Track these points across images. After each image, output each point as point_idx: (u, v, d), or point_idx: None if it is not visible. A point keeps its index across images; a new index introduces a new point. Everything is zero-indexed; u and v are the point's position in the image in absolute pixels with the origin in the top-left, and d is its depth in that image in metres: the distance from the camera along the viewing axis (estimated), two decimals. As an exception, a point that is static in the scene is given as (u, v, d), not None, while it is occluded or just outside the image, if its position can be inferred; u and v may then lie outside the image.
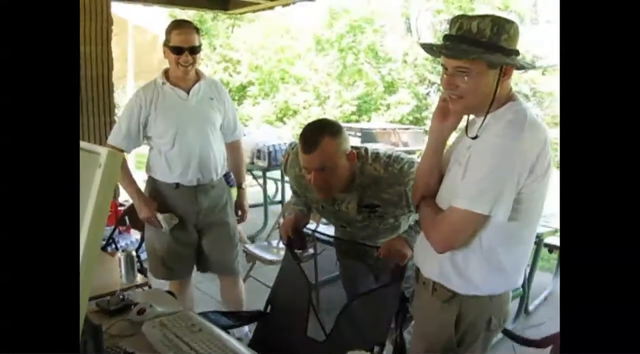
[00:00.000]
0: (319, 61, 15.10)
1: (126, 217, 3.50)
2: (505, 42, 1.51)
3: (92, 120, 4.77)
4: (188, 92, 2.76)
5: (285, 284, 2.24)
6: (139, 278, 2.36)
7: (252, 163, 5.84)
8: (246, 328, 2.80)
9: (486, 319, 1.66)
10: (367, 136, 7.98)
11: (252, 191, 6.72)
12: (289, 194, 5.97)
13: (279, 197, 6.52)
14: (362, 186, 2.08)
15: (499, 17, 1.53)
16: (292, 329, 2.08)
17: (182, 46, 2.67)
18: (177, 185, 2.79)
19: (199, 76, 2.83)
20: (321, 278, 3.09)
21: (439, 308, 1.68)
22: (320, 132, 1.96)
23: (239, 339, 2.09)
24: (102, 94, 4.83)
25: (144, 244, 3.04)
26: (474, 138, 1.57)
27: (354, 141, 5.06)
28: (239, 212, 3.06)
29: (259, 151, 5.81)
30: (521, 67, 1.59)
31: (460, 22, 1.54)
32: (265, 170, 5.86)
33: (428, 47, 1.61)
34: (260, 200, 6.00)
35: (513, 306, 3.66)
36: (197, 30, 2.76)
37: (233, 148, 3.04)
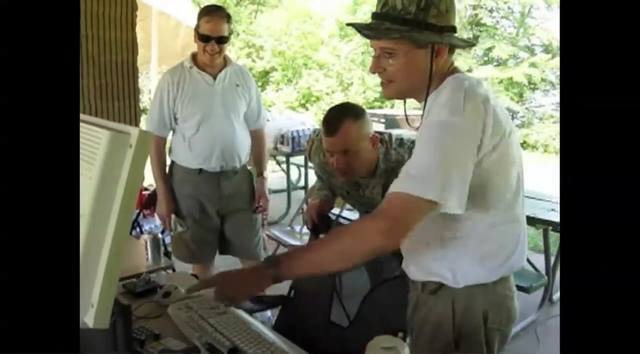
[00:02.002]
0: (343, 47, 14.97)
1: (151, 201, 3.53)
2: (435, 18, 1.37)
3: (117, 104, 4.80)
4: (215, 78, 2.76)
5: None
6: (164, 261, 2.39)
7: (276, 149, 5.85)
8: (269, 313, 2.82)
9: (481, 312, 1.51)
10: (391, 122, 7.92)
11: (276, 176, 6.77)
12: (312, 179, 6.00)
13: (302, 183, 6.53)
14: (386, 172, 2.06)
15: None
16: (316, 314, 2.08)
17: (210, 35, 2.67)
18: (201, 171, 2.80)
19: (226, 62, 2.83)
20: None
21: (432, 303, 1.55)
22: (342, 116, 1.96)
23: (262, 323, 2.10)
24: (127, 79, 4.86)
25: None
26: (417, 129, 1.46)
27: (377, 127, 5.04)
28: (260, 201, 3.06)
29: (282, 136, 5.81)
30: (456, 46, 1.46)
31: None
32: (288, 155, 5.88)
33: (353, 26, 1.48)
34: (284, 185, 6.02)
35: (537, 295, 3.65)
36: (229, 18, 2.74)
37: (256, 136, 3.05)
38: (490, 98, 1.39)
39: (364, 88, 14.47)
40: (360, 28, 1.44)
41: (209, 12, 2.72)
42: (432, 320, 1.56)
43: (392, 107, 14.43)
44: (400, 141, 2.11)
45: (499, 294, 1.53)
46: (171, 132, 2.91)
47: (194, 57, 2.82)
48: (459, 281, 1.48)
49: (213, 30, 2.68)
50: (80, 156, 0.91)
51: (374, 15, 1.43)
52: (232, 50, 15.19)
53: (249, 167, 3.06)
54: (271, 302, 2.34)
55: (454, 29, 1.43)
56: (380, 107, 13.84)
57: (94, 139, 0.88)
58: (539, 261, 3.68)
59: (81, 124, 0.96)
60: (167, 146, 2.99)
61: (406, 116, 1.63)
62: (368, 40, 1.46)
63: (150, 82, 7.88)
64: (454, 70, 1.48)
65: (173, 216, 2.87)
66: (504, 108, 1.46)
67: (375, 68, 1.46)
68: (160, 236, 2.37)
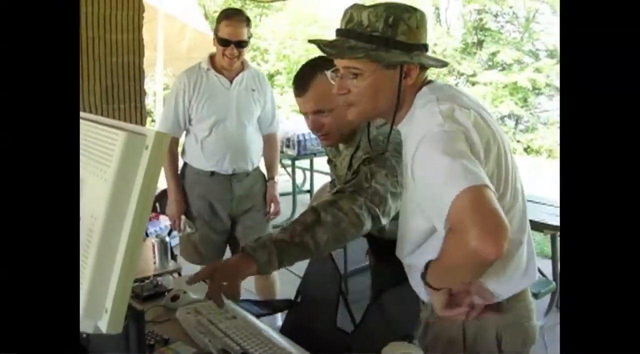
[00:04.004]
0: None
1: (157, 204, 3.52)
2: (404, 35, 1.28)
3: (123, 106, 4.79)
4: (231, 81, 2.76)
5: (315, 274, 2.22)
6: (171, 264, 2.37)
7: (282, 152, 5.84)
8: (279, 322, 2.80)
9: (494, 334, 1.41)
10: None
11: (281, 179, 6.71)
12: (317, 183, 5.99)
13: (307, 186, 6.51)
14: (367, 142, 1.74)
15: (397, 5, 1.29)
16: (322, 319, 2.06)
17: (229, 39, 2.66)
18: (212, 173, 2.80)
19: (243, 66, 2.83)
20: (350, 268, 3.08)
21: (442, 325, 1.47)
22: (312, 71, 1.68)
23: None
24: (133, 81, 4.86)
25: (174, 231, 3.06)
26: (383, 153, 1.40)
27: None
28: (272, 206, 3.03)
29: (288, 139, 5.81)
30: (426, 65, 1.35)
31: (350, 14, 1.30)
32: (294, 159, 5.88)
33: (316, 44, 1.36)
34: (289, 189, 6.00)
35: (544, 301, 3.62)
36: (248, 21, 2.73)
37: (269, 140, 3.04)
38: (460, 110, 1.28)
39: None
40: (322, 45, 1.33)
41: (228, 16, 2.70)
42: (442, 342, 1.48)
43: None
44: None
45: (515, 314, 1.42)
46: (184, 134, 2.90)
47: (211, 58, 2.80)
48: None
49: (232, 34, 2.66)
50: (95, 157, 0.90)
51: (338, 32, 1.33)
52: (236, 54, 15.21)
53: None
54: (278, 306, 2.33)
55: (425, 47, 1.34)
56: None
57: (109, 141, 0.87)
58: (547, 266, 3.66)
59: (96, 125, 0.95)
60: (180, 148, 2.99)
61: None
62: None
63: (155, 84, 7.88)
64: (424, 85, 1.38)
65: (183, 217, 2.86)
66: (486, 120, 1.33)
67: (339, 89, 1.35)
68: (167, 239, 2.35)
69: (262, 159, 3.06)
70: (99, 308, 0.86)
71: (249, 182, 2.91)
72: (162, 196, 3.41)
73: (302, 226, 1.48)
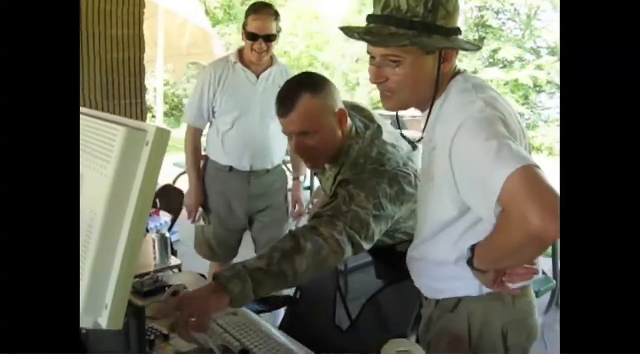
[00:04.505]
0: (348, 47, 14.96)
1: (157, 200, 3.52)
2: (443, 20, 1.25)
3: (123, 102, 4.79)
4: (258, 76, 2.74)
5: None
6: (172, 260, 2.37)
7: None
8: (279, 317, 2.80)
9: (499, 329, 1.41)
10: (399, 123, 7.91)
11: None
12: (317, 180, 5.95)
13: (307, 183, 6.51)
14: (352, 164, 1.68)
15: None
16: (320, 316, 2.06)
17: (257, 33, 2.63)
18: (231, 168, 2.78)
19: (272, 61, 2.79)
20: (350, 265, 3.07)
21: (446, 320, 1.46)
22: (297, 90, 1.62)
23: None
24: (134, 77, 4.85)
25: (175, 226, 3.06)
26: (419, 140, 1.36)
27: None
28: (296, 206, 3.02)
29: (288, 136, 5.79)
30: (464, 49, 1.34)
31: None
32: (293, 155, 5.85)
33: (348, 32, 1.31)
34: (288, 186, 5.99)
35: (544, 299, 3.61)
36: (277, 15, 2.70)
37: None
38: (498, 99, 1.30)
39: (369, 88, 14.46)
40: (359, 33, 1.28)
41: (256, 10, 2.67)
42: (447, 338, 1.47)
43: (397, 107, 14.45)
44: (370, 141, 1.71)
45: (519, 310, 1.42)
46: (208, 125, 2.90)
47: (240, 52, 2.78)
48: (471, 288, 1.39)
49: (261, 28, 2.63)
50: (95, 152, 0.89)
51: (373, 18, 1.29)
52: (237, 50, 15.20)
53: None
54: (277, 302, 2.33)
55: (460, 31, 1.31)
56: (386, 108, 13.84)
57: (109, 136, 0.87)
58: (547, 264, 3.66)
59: (96, 120, 0.94)
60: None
61: (397, 119, 1.56)
62: None
63: (156, 80, 7.87)
64: (458, 72, 1.37)
65: (200, 209, 2.85)
66: (515, 113, 1.34)
67: (377, 77, 1.32)
68: (167, 234, 2.35)
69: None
70: (99, 303, 0.85)
71: (268, 180, 2.87)
72: (163, 191, 3.42)
73: (280, 253, 1.41)
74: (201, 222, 2.87)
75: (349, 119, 1.70)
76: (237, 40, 15.46)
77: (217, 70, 2.75)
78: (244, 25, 2.69)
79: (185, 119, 2.91)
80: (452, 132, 1.23)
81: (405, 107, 1.42)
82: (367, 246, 1.53)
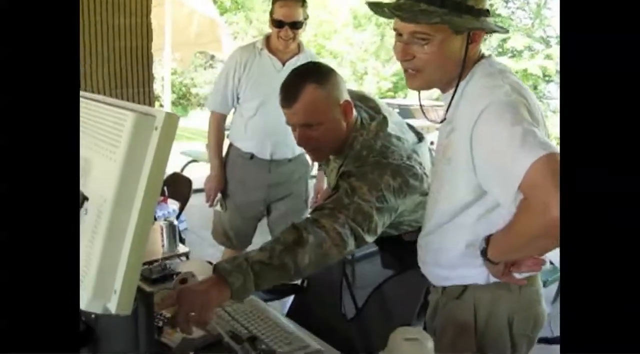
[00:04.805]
0: (356, 36, 14.92)
1: (164, 188, 3.53)
2: (474, 0, 1.25)
3: (131, 91, 4.80)
4: (284, 64, 2.73)
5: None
6: (180, 248, 2.38)
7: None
8: (287, 305, 2.81)
9: (506, 317, 1.41)
10: (405, 112, 7.88)
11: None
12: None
13: (314, 172, 6.50)
14: (356, 157, 1.65)
15: None
16: (327, 304, 2.06)
17: (283, 20, 2.63)
18: (252, 156, 2.78)
19: (299, 49, 2.77)
20: (358, 254, 3.07)
21: (453, 307, 1.46)
22: (302, 80, 1.59)
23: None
24: (142, 66, 4.86)
25: (183, 214, 3.07)
26: (442, 122, 1.35)
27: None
28: (318, 196, 2.99)
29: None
30: (493, 31, 1.31)
31: None
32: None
33: (377, 7, 1.29)
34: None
35: (552, 289, 3.60)
36: (303, 2, 2.68)
37: None
38: (522, 86, 1.29)
39: (378, 78, 14.42)
40: (389, 9, 1.25)
41: None
42: (453, 325, 1.47)
43: (405, 96, 14.41)
44: (375, 135, 1.67)
45: (526, 298, 1.42)
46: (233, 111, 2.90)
47: (267, 39, 2.77)
48: (478, 276, 1.39)
49: (287, 15, 2.62)
50: (104, 138, 0.89)
51: None
52: (245, 39, 15.18)
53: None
54: (284, 291, 2.33)
55: (488, 13, 1.29)
56: (394, 97, 13.80)
57: (118, 121, 0.87)
58: (554, 254, 3.64)
59: (104, 105, 0.94)
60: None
61: (421, 106, 1.51)
62: (381, 30, 1.36)
63: (163, 69, 7.87)
64: (482, 57, 1.36)
65: (219, 194, 2.87)
66: (536, 100, 1.32)
67: (404, 55, 1.30)
68: (175, 222, 2.36)
69: None
70: (108, 289, 0.86)
71: (288, 169, 2.86)
72: (171, 180, 3.43)
73: (282, 246, 1.39)
74: (218, 207, 2.87)
75: (354, 110, 1.68)
76: (244, 29, 15.44)
77: (243, 56, 2.74)
78: (271, 13, 2.68)
79: (209, 105, 2.91)
80: (475, 114, 1.22)
81: (429, 87, 1.40)
82: (370, 239, 1.52)
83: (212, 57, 14.24)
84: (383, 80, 14.33)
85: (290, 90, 1.60)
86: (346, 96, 1.66)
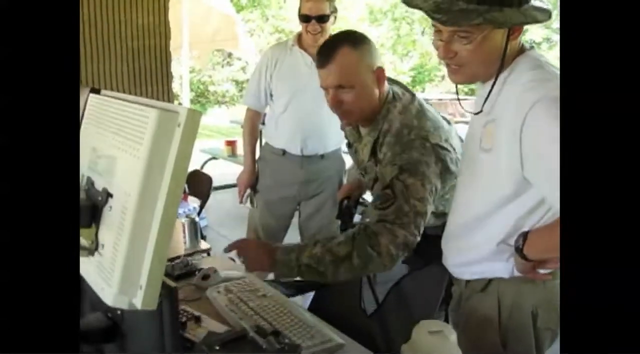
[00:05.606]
0: (372, 31, 14.84)
1: (185, 185, 3.55)
2: None
3: (150, 89, 4.83)
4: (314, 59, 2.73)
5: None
6: (202, 244, 2.39)
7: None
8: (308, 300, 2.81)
9: (530, 311, 1.40)
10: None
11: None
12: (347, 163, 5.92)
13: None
14: (390, 133, 1.67)
15: None
16: (347, 300, 2.05)
17: (309, 14, 2.63)
18: (284, 152, 2.79)
19: None
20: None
21: (476, 300, 1.46)
22: (337, 43, 1.64)
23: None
24: (160, 64, 4.89)
25: (203, 211, 3.09)
26: (478, 113, 1.33)
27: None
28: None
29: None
30: (535, 22, 1.29)
31: None
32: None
33: (415, 6, 1.29)
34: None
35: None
36: None
37: None
38: None
39: (395, 73, 14.36)
40: (430, 12, 1.25)
41: None
42: (476, 318, 1.46)
43: (423, 91, 14.34)
44: (405, 107, 1.69)
45: (550, 291, 1.40)
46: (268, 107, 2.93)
47: (299, 36, 2.78)
48: (502, 270, 1.39)
49: (313, 9, 2.63)
50: (127, 135, 0.90)
51: None
52: (261, 36, 15.20)
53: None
54: (304, 287, 2.34)
55: (527, 2, 1.26)
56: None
57: (141, 118, 0.87)
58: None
59: (127, 103, 0.95)
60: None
61: (459, 99, 1.52)
62: (398, 25, 1.37)
63: (181, 67, 7.91)
64: (523, 48, 1.35)
65: (249, 190, 2.89)
66: None
67: (446, 53, 1.29)
68: (197, 219, 2.37)
69: None
70: (134, 284, 0.86)
71: (321, 166, 2.84)
72: (191, 177, 3.45)
73: (332, 258, 1.51)
74: (247, 204, 2.89)
75: (386, 82, 1.71)
76: (261, 26, 15.45)
77: (274, 53, 2.76)
78: (299, 8, 2.69)
79: (244, 102, 2.94)
80: (525, 107, 1.21)
81: (473, 81, 1.40)
82: (419, 239, 1.55)
83: (230, 54, 14.28)
84: (401, 74, 14.27)
85: (326, 51, 1.64)
86: (380, 64, 1.69)
